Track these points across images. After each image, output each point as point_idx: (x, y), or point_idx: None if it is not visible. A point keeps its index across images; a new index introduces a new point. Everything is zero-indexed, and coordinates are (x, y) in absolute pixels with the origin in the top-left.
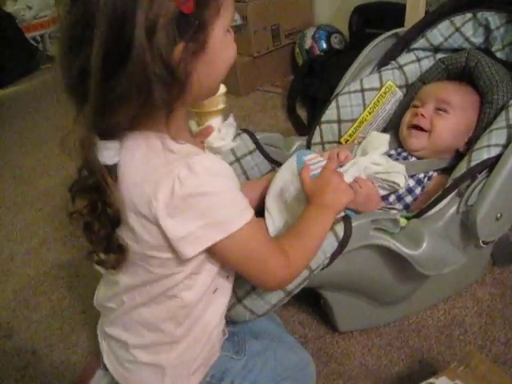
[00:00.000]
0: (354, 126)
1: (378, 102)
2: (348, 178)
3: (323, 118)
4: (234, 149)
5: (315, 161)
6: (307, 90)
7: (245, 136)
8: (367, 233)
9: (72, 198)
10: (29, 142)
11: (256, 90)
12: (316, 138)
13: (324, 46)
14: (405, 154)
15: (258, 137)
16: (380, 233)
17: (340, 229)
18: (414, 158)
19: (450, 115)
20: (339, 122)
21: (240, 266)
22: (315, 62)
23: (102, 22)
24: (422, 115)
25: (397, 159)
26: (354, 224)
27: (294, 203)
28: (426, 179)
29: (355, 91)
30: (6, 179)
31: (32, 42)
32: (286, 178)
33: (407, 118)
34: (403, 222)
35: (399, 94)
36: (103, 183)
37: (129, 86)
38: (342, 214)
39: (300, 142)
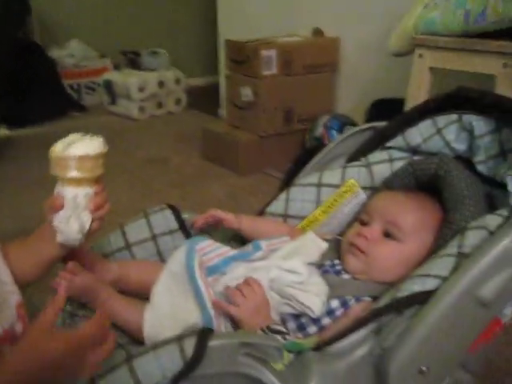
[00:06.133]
0: (302, 224)
1: (336, 201)
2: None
3: (268, 209)
4: (151, 224)
5: (211, 248)
6: None
7: (167, 213)
8: (234, 358)
9: None
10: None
11: (258, 172)
12: None
13: (334, 135)
14: (339, 267)
15: (184, 216)
16: (254, 361)
17: (189, 345)
18: (347, 276)
19: (398, 243)
20: (285, 216)
21: None
22: (318, 151)
23: None
24: (365, 237)
25: (326, 272)
26: (212, 343)
27: (181, 301)
28: (352, 301)
29: (310, 185)
30: None
31: (68, 88)
32: (174, 270)
33: (351, 232)
34: (287, 356)
35: (362, 195)
36: None
37: None
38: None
39: None
